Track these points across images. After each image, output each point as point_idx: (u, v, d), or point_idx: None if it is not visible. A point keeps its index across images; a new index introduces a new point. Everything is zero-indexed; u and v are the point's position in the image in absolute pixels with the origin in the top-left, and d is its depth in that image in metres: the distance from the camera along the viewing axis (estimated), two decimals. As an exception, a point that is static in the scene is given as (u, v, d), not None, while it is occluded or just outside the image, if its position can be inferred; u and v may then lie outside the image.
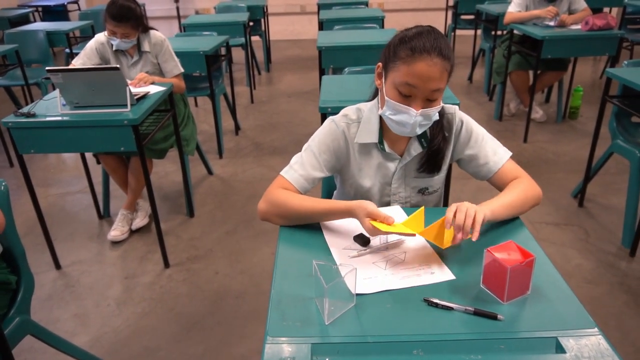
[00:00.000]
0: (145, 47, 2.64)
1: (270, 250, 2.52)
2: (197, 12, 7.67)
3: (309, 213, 1.21)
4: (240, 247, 2.57)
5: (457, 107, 1.35)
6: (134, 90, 2.32)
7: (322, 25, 4.10)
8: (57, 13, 6.60)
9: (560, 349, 0.84)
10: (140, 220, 2.74)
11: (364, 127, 1.32)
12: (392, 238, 1.15)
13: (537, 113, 4.04)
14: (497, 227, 1.20)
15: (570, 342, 0.85)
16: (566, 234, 2.57)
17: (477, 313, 0.91)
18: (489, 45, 4.68)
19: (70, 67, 2.38)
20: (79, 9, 6.75)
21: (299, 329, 0.89)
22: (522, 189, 1.25)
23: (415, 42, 1.15)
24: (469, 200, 1.12)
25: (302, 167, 1.29)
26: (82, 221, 2.88)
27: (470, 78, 5.24)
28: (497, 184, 1.33)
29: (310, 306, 0.94)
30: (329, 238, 1.18)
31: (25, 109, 2.15)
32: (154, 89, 2.42)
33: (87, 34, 4.82)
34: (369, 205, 1.12)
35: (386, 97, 1.22)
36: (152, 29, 2.69)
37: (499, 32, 4.41)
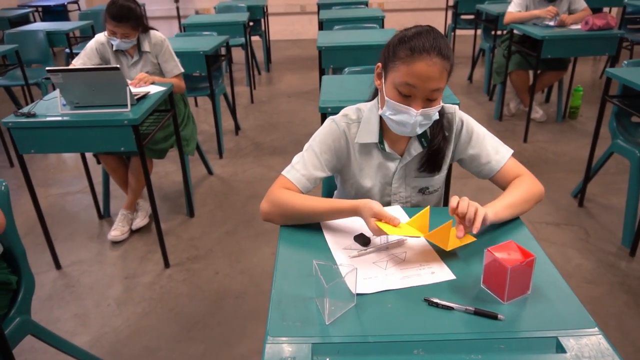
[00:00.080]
0: (146, 47, 2.64)
1: (271, 250, 2.52)
2: (197, 12, 7.67)
3: (313, 212, 1.21)
4: (240, 247, 2.57)
5: (457, 106, 1.36)
6: (134, 90, 2.32)
7: (322, 25, 4.10)
8: (57, 13, 6.60)
9: (560, 349, 0.84)
10: (140, 220, 2.74)
11: (364, 127, 1.32)
12: (393, 238, 1.15)
13: (537, 113, 4.04)
14: (498, 227, 1.20)
15: (570, 341, 0.85)
16: (566, 234, 2.57)
17: (478, 313, 0.91)
18: (489, 45, 4.68)
19: (71, 67, 2.38)
20: (79, 9, 6.75)
21: (299, 328, 0.89)
22: (524, 187, 1.26)
23: (415, 42, 1.15)
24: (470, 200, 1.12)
25: (304, 166, 1.29)
26: (82, 221, 2.88)
27: (470, 78, 5.24)
28: (500, 183, 1.33)
29: (311, 306, 0.94)
30: (329, 238, 1.18)
31: (25, 109, 2.15)
32: (154, 89, 2.42)
33: (87, 34, 4.82)
34: (375, 206, 1.12)
35: (386, 97, 1.22)
36: (152, 29, 2.69)
37: (499, 32, 4.41)
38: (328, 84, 2.28)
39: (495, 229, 1.19)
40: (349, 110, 1.35)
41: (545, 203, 2.83)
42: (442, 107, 1.30)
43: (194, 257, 2.51)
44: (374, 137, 1.32)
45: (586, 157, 2.74)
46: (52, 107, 2.20)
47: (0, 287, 1.44)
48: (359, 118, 1.33)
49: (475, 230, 1.07)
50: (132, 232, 2.71)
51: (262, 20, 5.79)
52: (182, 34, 4.00)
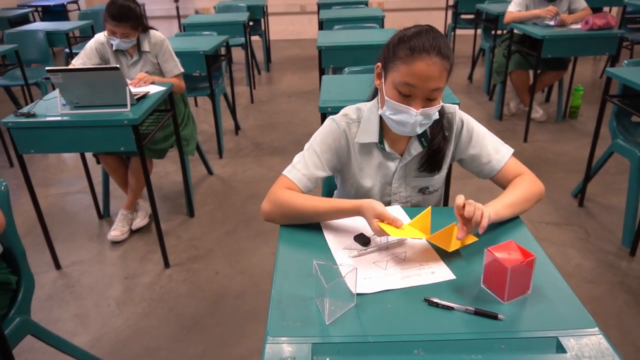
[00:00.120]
0: (145, 47, 2.64)
1: (270, 250, 2.52)
2: (196, 12, 7.66)
3: (315, 212, 1.21)
4: (240, 247, 2.57)
5: (457, 106, 1.35)
6: (133, 90, 2.32)
7: (322, 25, 4.10)
8: (56, 13, 6.60)
9: (560, 349, 0.84)
10: (140, 220, 2.74)
11: (364, 127, 1.32)
12: (393, 238, 1.14)
13: (537, 112, 4.04)
14: (498, 227, 1.20)
15: (570, 341, 0.85)
16: (566, 234, 2.57)
17: (478, 313, 0.91)
18: (489, 45, 4.68)
19: (70, 67, 2.38)
20: (79, 9, 6.75)
21: (299, 328, 0.89)
22: (524, 186, 1.26)
23: (415, 42, 1.15)
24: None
25: (305, 166, 1.29)
26: (82, 221, 2.88)
27: (470, 78, 5.24)
28: (500, 182, 1.33)
29: (311, 306, 0.94)
30: (329, 238, 1.18)
31: (25, 109, 2.15)
32: (153, 89, 2.42)
33: (86, 34, 4.82)
34: (378, 207, 1.12)
35: (386, 97, 1.22)
36: (152, 28, 2.69)
37: (499, 32, 4.41)
38: (328, 83, 2.28)
39: (495, 229, 1.19)
40: (349, 110, 1.35)
41: (546, 203, 2.83)
42: (442, 107, 1.30)
43: (194, 257, 2.51)
44: (373, 137, 1.32)
45: (586, 157, 2.74)
46: (51, 107, 2.20)
47: (0, 287, 1.44)
48: (359, 118, 1.33)
49: (481, 231, 1.08)
50: (132, 232, 2.71)
51: (262, 20, 5.79)
52: (181, 33, 4.00)
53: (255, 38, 5.83)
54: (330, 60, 3.10)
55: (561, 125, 3.99)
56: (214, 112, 3.54)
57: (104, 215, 2.92)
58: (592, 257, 2.38)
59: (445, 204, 1.80)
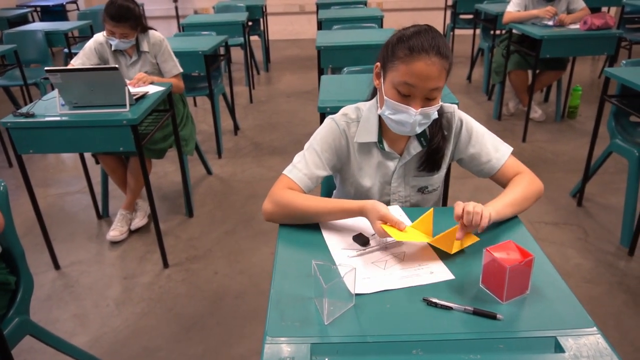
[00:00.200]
0: (144, 47, 2.64)
1: (270, 250, 2.52)
2: (195, 12, 7.66)
3: (318, 213, 1.21)
4: (239, 247, 2.57)
5: (455, 106, 1.36)
6: (132, 90, 2.32)
7: (321, 25, 4.10)
8: (55, 13, 6.59)
9: (559, 349, 0.84)
10: (139, 221, 2.74)
11: (363, 127, 1.32)
12: (390, 239, 1.14)
13: (536, 112, 4.05)
14: (496, 227, 1.20)
15: (569, 341, 0.85)
16: (565, 234, 2.57)
17: (477, 313, 0.91)
18: (487, 45, 4.69)
19: (69, 67, 2.38)
20: (78, 9, 6.74)
21: (298, 329, 0.89)
22: (524, 185, 1.27)
23: (414, 42, 1.15)
24: (468, 200, 1.13)
25: (306, 166, 1.29)
26: (81, 221, 2.88)
27: (469, 78, 5.24)
28: (500, 181, 1.34)
29: (310, 306, 0.94)
30: (328, 238, 1.18)
31: (24, 109, 2.15)
32: (152, 89, 2.42)
33: (85, 34, 4.82)
34: (382, 208, 1.12)
35: (385, 97, 1.22)
36: (151, 28, 2.68)
37: (497, 32, 4.41)
38: (327, 83, 2.28)
39: (494, 229, 1.19)
40: (348, 110, 1.35)
41: (544, 203, 2.83)
42: (441, 107, 1.30)
43: (193, 257, 2.51)
44: (373, 137, 1.32)
45: (585, 157, 2.74)
46: (50, 107, 2.20)
47: (-1, 287, 1.44)
48: (358, 117, 1.34)
49: (480, 230, 1.10)
50: (131, 232, 2.71)
51: (261, 20, 5.78)
52: (180, 33, 4.00)
53: (254, 38, 5.83)
54: (329, 60, 3.10)
55: (560, 125, 4.00)
56: (213, 112, 3.54)
57: (103, 215, 2.92)
58: (590, 256, 2.38)
59: (445, 203, 1.80)
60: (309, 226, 1.23)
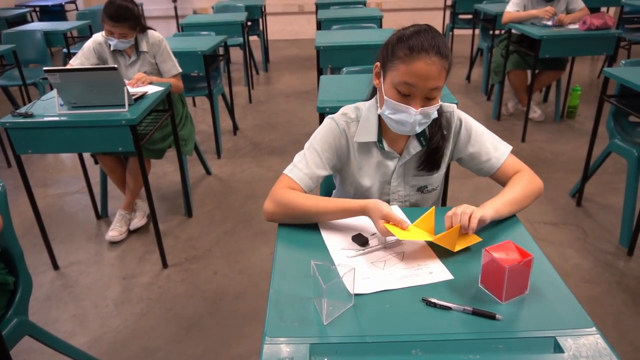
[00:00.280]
0: (143, 47, 2.64)
1: (269, 250, 2.51)
2: (195, 12, 7.66)
3: (320, 212, 1.21)
4: (238, 247, 2.57)
5: (455, 105, 1.36)
6: (131, 90, 2.32)
7: (320, 25, 4.10)
8: (54, 13, 6.58)
9: (558, 349, 0.84)
10: (138, 221, 2.73)
11: (363, 126, 1.32)
12: (391, 238, 1.14)
13: (535, 112, 4.05)
14: (496, 227, 1.20)
15: (568, 341, 0.85)
16: (564, 234, 2.57)
17: (476, 313, 0.91)
18: (487, 45, 4.69)
19: (68, 67, 2.38)
20: (77, 9, 6.73)
21: (297, 329, 0.89)
22: (523, 183, 1.27)
23: (414, 41, 1.15)
24: (468, 199, 1.13)
25: (306, 165, 1.29)
26: (80, 222, 2.88)
27: (468, 78, 5.24)
28: (500, 179, 1.34)
29: (309, 306, 0.94)
30: (327, 238, 1.18)
31: (22, 109, 2.15)
32: (151, 89, 2.41)
33: (84, 34, 4.81)
34: (384, 207, 1.12)
35: (385, 97, 1.22)
36: (150, 28, 2.68)
37: (497, 32, 4.42)
38: (326, 83, 2.28)
39: (493, 229, 1.19)
40: (348, 109, 1.35)
41: (543, 202, 2.84)
42: (441, 106, 1.30)
43: (192, 257, 2.50)
44: (372, 136, 1.32)
45: (584, 157, 2.74)
46: (49, 107, 2.19)
47: (-2, 287, 1.44)
48: (358, 117, 1.34)
49: (470, 232, 1.10)
50: (130, 233, 2.71)
51: (260, 20, 5.78)
52: (180, 33, 3.99)
53: (253, 38, 5.82)
54: (329, 60, 3.10)
55: (559, 125, 4.00)
56: (212, 112, 3.54)
57: (102, 215, 2.92)
58: (590, 256, 2.38)
59: (444, 203, 1.80)
60: (308, 226, 1.23)
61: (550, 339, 0.86)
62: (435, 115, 1.24)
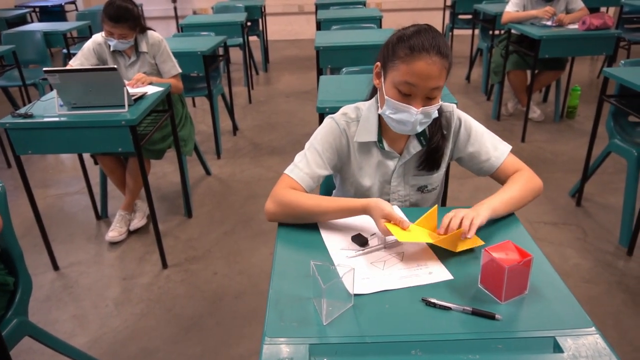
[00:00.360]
0: (143, 47, 2.64)
1: (269, 251, 2.51)
2: (194, 13, 7.66)
3: (322, 212, 1.21)
4: (238, 248, 2.57)
5: (454, 105, 1.36)
6: (131, 90, 2.32)
7: (319, 25, 4.10)
8: (54, 13, 6.58)
9: (557, 349, 0.84)
10: (138, 221, 2.73)
11: (363, 126, 1.32)
12: (391, 238, 1.15)
13: (535, 112, 4.05)
14: (495, 227, 1.20)
15: (568, 341, 0.85)
16: (564, 234, 2.57)
17: (475, 313, 0.91)
18: (486, 45, 4.69)
19: (68, 67, 2.38)
20: (77, 10, 6.73)
21: (296, 329, 0.89)
22: (522, 182, 1.27)
23: (414, 41, 1.15)
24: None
25: (307, 165, 1.29)
26: (80, 222, 2.88)
27: (468, 78, 5.24)
28: (500, 179, 1.34)
29: (308, 306, 0.94)
30: (326, 238, 1.18)
31: (22, 110, 2.15)
32: (151, 90, 2.41)
33: (84, 35, 4.81)
34: (386, 207, 1.13)
35: (386, 97, 1.22)
36: (150, 29, 2.68)
37: (496, 32, 4.42)
38: (326, 84, 2.28)
39: (492, 229, 1.19)
40: (348, 109, 1.36)
41: (543, 202, 2.84)
42: (440, 106, 1.30)
43: (192, 257, 2.51)
44: (372, 136, 1.32)
45: (584, 157, 2.74)
46: (49, 107, 2.19)
47: (-2, 288, 1.44)
48: (358, 117, 1.34)
49: (470, 235, 1.09)
50: (130, 233, 2.71)
51: (260, 20, 5.78)
52: (179, 34, 4.00)
53: (253, 38, 5.83)
54: (328, 60, 3.10)
55: (559, 125, 4.00)
56: (212, 112, 3.54)
57: (102, 216, 2.92)
58: (589, 256, 2.38)
59: (444, 203, 1.81)
60: (307, 226, 1.23)
61: (549, 339, 0.86)
62: (435, 114, 1.24)
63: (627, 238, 2.41)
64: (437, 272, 1.04)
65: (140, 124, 2.29)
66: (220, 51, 3.80)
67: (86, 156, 2.90)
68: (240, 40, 4.70)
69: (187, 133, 2.91)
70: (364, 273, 1.04)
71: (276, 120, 4.32)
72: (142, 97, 2.30)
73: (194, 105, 4.78)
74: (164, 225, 2.77)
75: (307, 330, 0.88)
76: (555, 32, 3.34)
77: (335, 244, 1.15)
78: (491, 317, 0.90)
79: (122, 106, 2.13)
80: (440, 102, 1.26)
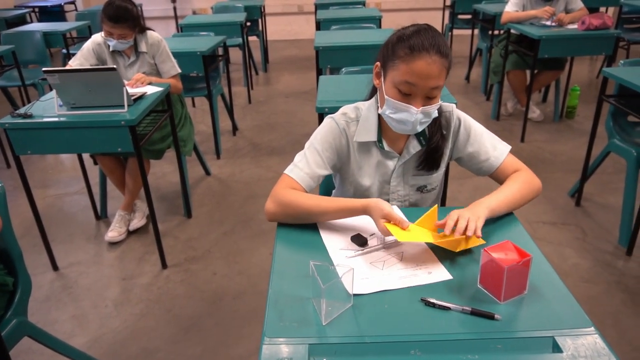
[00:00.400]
0: (142, 47, 2.64)
1: (268, 251, 2.51)
2: (194, 13, 7.66)
3: (322, 212, 1.21)
4: (238, 248, 2.57)
5: (454, 105, 1.36)
6: (131, 90, 2.32)
7: (319, 25, 4.10)
8: (53, 14, 6.58)
9: (557, 349, 0.84)
10: (137, 221, 2.73)
11: (363, 126, 1.33)
12: (390, 238, 1.15)
13: (534, 112, 4.05)
14: (494, 227, 1.20)
15: (567, 341, 0.85)
16: (563, 233, 2.57)
17: (474, 313, 0.91)
18: (486, 45, 4.69)
19: (67, 67, 2.38)
20: (76, 10, 6.72)
21: (296, 329, 0.89)
22: (520, 182, 1.27)
23: (414, 41, 1.15)
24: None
25: (307, 165, 1.29)
26: (79, 222, 2.88)
27: (467, 78, 5.24)
28: (499, 179, 1.35)
29: (308, 306, 0.94)
30: (326, 238, 1.18)
31: (22, 110, 2.15)
32: (151, 90, 2.41)
33: (84, 35, 4.81)
34: (386, 207, 1.13)
35: (386, 96, 1.22)
36: (149, 29, 2.68)
37: (496, 32, 4.42)
38: (325, 84, 2.28)
39: (492, 229, 1.19)
40: (348, 109, 1.36)
41: (542, 202, 2.84)
42: (440, 106, 1.30)
43: (192, 257, 2.50)
44: (372, 136, 1.32)
45: (583, 157, 2.74)
46: (48, 107, 2.19)
47: (-3, 288, 1.44)
48: (358, 117, 1.34)
49: (478, 235, 1.09)
50: (130, 233, 2.71)
51: (260, 20, 5.78)
52: (179, 34, 3.99)
53: (252, 38, 5.82)
54: (328, 60, 3.10)
55: (558, 125, 4.00)
56: (212, 112, 3.54)
57: (102, 216, 2.92)
58: (589, 256, 2.38)
59: (443, 203, 1.80)
60: (307, 226, 1.23)
61: (549, 339, 0.86)
62: (436, 114, 1.24)
63: (626, 238, 2.41)
64: (436, 272, 1.04)
65: (140, 124, 2.29)
66: (220, 51, 3.80)
67: (86, 156, 2.90)
68: (240, 40, 4.70)
69: (187, 133, 2.91)
70: (363, 273, 1.04)
71: (276, 121, 4.32)
72: (141, 97, 2.30)
73: (194, 105, 4.78)
74: (164, 225, 2.77)
75: (307, 330, 0.88)
76: (554, 32, 3.35)
77: (335, 244, 1.15)
78: (490, 317, 0.90)
79: (122, 106, 2.13)
80: (440, 102, 1.26)
